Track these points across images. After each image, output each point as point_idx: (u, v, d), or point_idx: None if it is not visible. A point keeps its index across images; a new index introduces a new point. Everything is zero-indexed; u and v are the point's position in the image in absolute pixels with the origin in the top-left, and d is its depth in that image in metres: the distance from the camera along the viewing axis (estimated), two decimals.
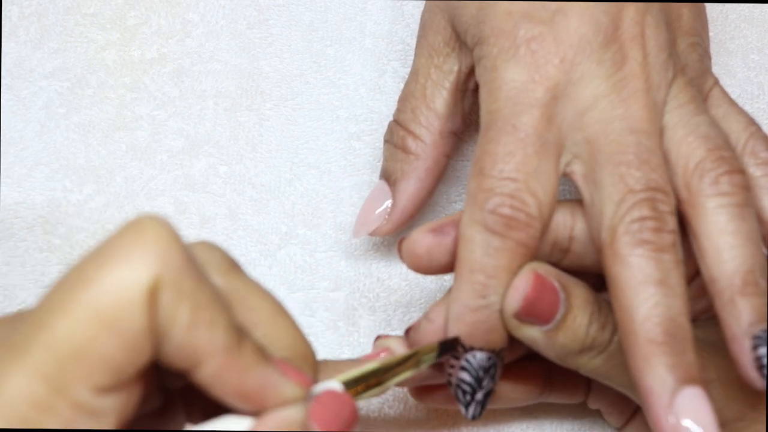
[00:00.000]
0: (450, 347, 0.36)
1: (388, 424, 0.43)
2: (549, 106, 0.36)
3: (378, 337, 0.39)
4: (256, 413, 0.29)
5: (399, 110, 0.43)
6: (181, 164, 0.47)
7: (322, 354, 0.44)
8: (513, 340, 0.36)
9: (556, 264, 0.37)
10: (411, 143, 0.42)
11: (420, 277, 0.45)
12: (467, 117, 0.43)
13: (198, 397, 0.29)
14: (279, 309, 0.31)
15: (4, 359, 0.26)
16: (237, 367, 0.28)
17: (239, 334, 0.28)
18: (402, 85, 0.43)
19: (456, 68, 0.41)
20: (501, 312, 0.35)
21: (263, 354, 0.29)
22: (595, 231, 0.36)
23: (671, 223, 0.35)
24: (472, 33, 0.39)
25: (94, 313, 0.26)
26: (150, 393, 0.30)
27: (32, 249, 0.45)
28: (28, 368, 0.26)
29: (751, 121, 0.40)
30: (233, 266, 0.31)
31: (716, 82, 0.40)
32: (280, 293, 0.45)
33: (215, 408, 0.29)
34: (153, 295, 0.26)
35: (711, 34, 0.46)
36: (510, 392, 0.40)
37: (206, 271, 0.28)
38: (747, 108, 0.41)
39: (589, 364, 0.36)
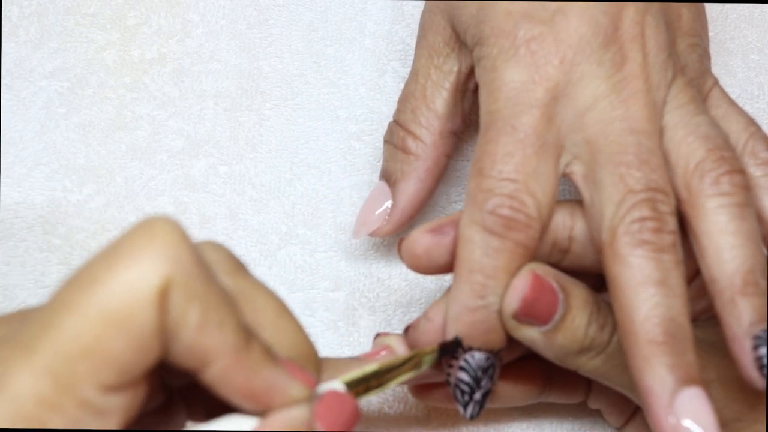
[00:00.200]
0: (450, 349, 0.36)
1: (388, 424, 0.43)
2: (549, 106, 0.36)
3: (377, 335, 0.39)
4: (260, 413, 0.29)
5: (399, 111, 0.43)
6: (181, 164, 0.47)
7: (322, 354, 0.44)
8: (512, 340, 0.36)
9: (555, 264, 0.37)
10: (411, 144, 0.42)
11: (420, 277, 0.45)
12: (467, 117, 0.43)
13: (200, 395, 0.30)
14: (284, 309, 0.31)
15: (11, 356, 0.26)
16: (245, 368, 0.28)
17: (247, 334, 0.28)
18: (402, 85, 0.43)
19: (456, 68, 0.41)
20: (500, 312, 0.35)
21: (270, 354, 0.29)
22: (595, 231, 0.36)
23: (671, 223, 0.35)
24: (472, 33, 0.39)
25: (104, 312, 0.26)
26: (153, 391, 0.30)
27: (32, 249, 0.45)
28: (35, 366, 0.26)
29: (751, 122, 0.40)
30: (239, 266, 0.31)
31: (716, 82, 0.40)
32: (280, 293, 0.44)
33: (217, 406, 0.29)
34: (163, 295, 0.26)
35: (711, 34, 0.46)
36: (509, 392, 0.40)
37: (214, 271, 0.29)
38: (747, 108, 0.41)
39: (588, 365, 0.36)
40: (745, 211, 0.35)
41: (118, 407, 0.27)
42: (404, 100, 0.43)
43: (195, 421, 0.32)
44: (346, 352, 0.44)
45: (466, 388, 0.36)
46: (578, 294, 0.36)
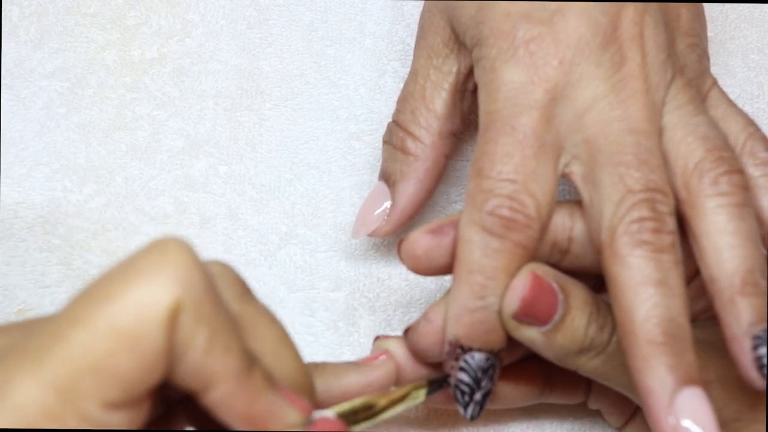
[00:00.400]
0: (440, 385, 0.37)
1: (388, 424, 0.43)
2: (548, 107, 0.36)
3: (377, 338, 0.39)
4: None
5: (398, 111, 0.43)
6: (181, 164, 0.47)
7: (321, 354, 0.44)
8: (512, 341, 0.36)
9: (555, 265, 0.37)
10: (410, 144, 0.42)
11: (420, 277, 0.45)
12: (466, 118, 0.43)
13: (198, 407, 0.30)
14: (285, 338, 0.31)
15: (17, 366, 0.26)
16: (247, 393, 0.28)
17: (250, 360, 0.28)
18: (402, 85, 0.43)
19: (455, 69, 0.41)
20: (499, 313, 0.35)
21: (271, 381, 0.29)
22: (594, 232, 0.36)
23: (670, 223, 0.35)
24: (471, 34, 0.39)
25: (114, 328, 0.26)
26: (153, 404, 0.30)
27: (32, 249, 0.45)
28: (41, 377, 0.26)
29: (750, 122, 0.40)
30: (246, 291, 0.31)
31: (715, 82, 0.40)
32: (280, 293, 0.45)
33: (216, 418, 0.29)
34: (174, 316, 0.26)
35: (711, 34, 0.46)
36: (510, 393, 0.40)
37: (222, 296, 0.29)
38: (747, 108, 0.41)
39: (588, 365, 0.36)
40: (744, 211, 0.35)
41: (119, 424, 0.27)
42: (403, 100, 0.43)
43: (194, 426, 0.32)
44: (346, 352, 0.44)
45: (466, 389, 0.36)
46: (578, 294, 0.36)
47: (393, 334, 0.44)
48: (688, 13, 0.40)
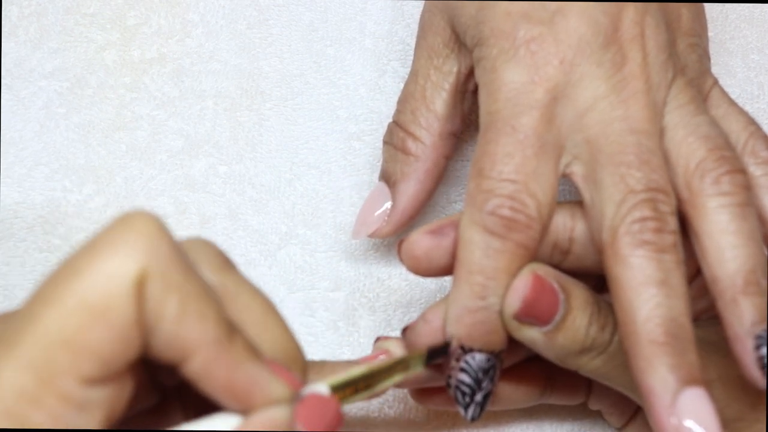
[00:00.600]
0: (439, 353, 0.36)
1: (388, 424, 0.43)
2: (548, 107, 0.36)
3: (378, 339, 0.39)
4: (244, 412, 0.29)
5: (399, 111, 0.43)
6: (181, 164, 0.47)
7: (321, 354, 0.44)
8: (513, 342, 0.36)
9: (556, 266, 0.37)
10: (411, 145, 0.42)
11: (420, 277, 0.45)
12: (467, 118, 0.43)
13: (194, 395, 0.30)
14: (270, 309, 0.31)
15: None
16: (227, 362, 0.28)
17: (230, 328, 0.28)
18: (402, 85, 0.43)
19: (455, 69, 0.41)
20: (500, 313, 0.35)
21: (254, 351, 0.29)
22: (595, 232, 0.36)
23: (672, 223, 0.35)
24: (472, 34, 0.39)
25: (83, 303, 0.26)
26: (145, 391, 0.30)
27: (32, 249, 0.45)
28: (17, 360, 0.26)
29: (751, 121, 0.40)
30: (226, 263, 0.31)
31: (715, 82, 0.40)
32: (280, 293, 0.45)
33: (211, 407, 0.29)
34: (140, 286, 0.26)
35: (711, 34, 0.46)
36: (511, 394, 0.40)
37: (198, 266, 0.29)
38: (747, 108, 0.41)
39: (589, 365, 0.36)
40: (746, 211, 0.35)
41: (101, 401, 0.27)
42: (404, 101, 0.43)
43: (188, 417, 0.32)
44: (346, 352, 0.44)
45: (467, 390, 0.36)
46: (579, 294, 0.36)
47: (393, 334, 0.44)
48: (689, 14, 0.40)
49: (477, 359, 0.36)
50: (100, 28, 0.49)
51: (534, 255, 0.36)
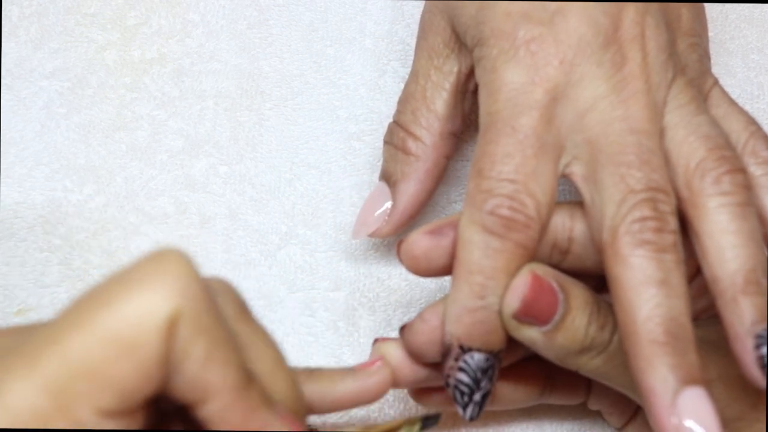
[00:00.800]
0: (434, 422, 0.36)
1: None
2: (548, 107, 0.36)
3: (376, 340, 0.39)
4: None
5: (399, 111, 0.43)
6: (181, 164, 0.47)
7: (321, 354, 0.44)
8: (512, 342, 0.36)
9: (555, 266, 0.37)
10: (411, 144, 0.42)
11: (420, 277, 0.45)
12: (467, 118, 0.43)
13: (193, 418, 0.30)
14: (280, 360, 0.31)
15: (11, 367, 0.26)
16: (243, 408, 0.28)
17: (248, 375, 0.28)
18: (402, 86, 0.43)
19: (456, 69, 0.41)
20: (499, 313, 0.35)
21: (267, 399, 0.29)
22: (596, 231, 0.36)
23: (672, 223, 0.35)
24: (472, 34, 0.39)
25: (112, 335, 0.26)
26: (149, 415, 0.30)
27: (32, 249, 0.45)
28: (35, 379, 0.26)
29: (751, 121, 0.40)
30: (244, 310, 0.32)
31: (716, 82, 0.41)
32: (280, 293, 0.45)
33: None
34: (172, 325, 0.26)
35: (711, 34, 0.46)
36: (510, 393, 0.40)
37: (221, 310, 0.29)
38: (747, 108, 0.41)
39: (589, 365, 0.36)
40: (747, 211, 0.35)
41: None
42: (404, 101, 0.43)
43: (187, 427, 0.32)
44: (346, 353, 0.44)
45: (465, 389, 0.36)
46: (578, 294, 0.36)
47: (393, 334, 0.44)
48: (689, 14, 0.40)
49: (476, 359, 0.36)
50: (100, 28, 0.49)
51: (533, 255, 0.36)
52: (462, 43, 0.40)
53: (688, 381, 0.32)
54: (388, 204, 0.42)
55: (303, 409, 0.32)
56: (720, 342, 0.35)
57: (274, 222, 0.46)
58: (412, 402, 0.43)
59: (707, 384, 0.33)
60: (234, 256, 0.45)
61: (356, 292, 0.45)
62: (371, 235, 0.43)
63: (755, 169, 0.38)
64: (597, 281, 0.38)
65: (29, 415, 0.26)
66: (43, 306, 0.44)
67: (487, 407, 0.37)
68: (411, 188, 0.42)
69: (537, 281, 0.35)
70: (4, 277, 0.44)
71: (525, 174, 0.35)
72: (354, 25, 0.49)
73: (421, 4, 0.44)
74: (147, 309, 0.26)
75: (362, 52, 0.49)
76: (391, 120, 0.43)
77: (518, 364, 0.40)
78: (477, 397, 0.36)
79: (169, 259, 0.27)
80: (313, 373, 0.36)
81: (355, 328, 0.44)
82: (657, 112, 0.37)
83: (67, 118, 0.47)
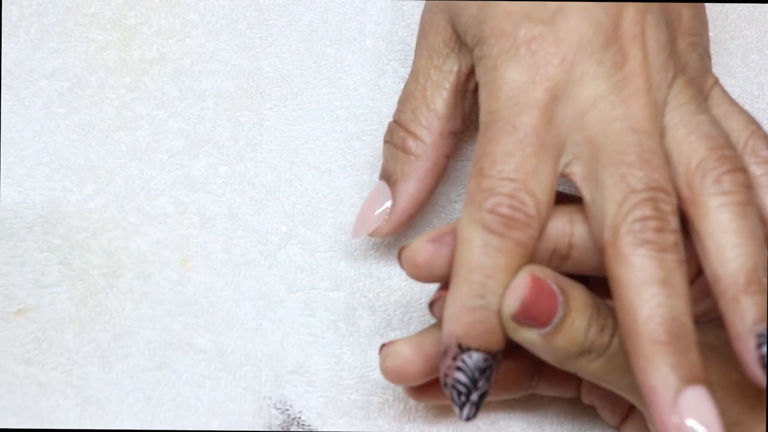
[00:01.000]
0: None
1: (388, 423, 0.43)
2: (549, 106, 0.36)
3: (383, 346, 0.39)
4: None
5: (399, 111, 0.43)
6: (181, 164, 0.47)
7: (321, 354, 0.44)
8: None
9: (555, 270, 0.37)
10: (411, 144, 0.42)
11: None
12: (467, 117, 0.43)
13: None
14: None
15: None
16: None
17: None
18: (402, 85, 0.43)
19: (456, 69, 0.41)
20: (499, 313, 0.35)
21: None
22: (596, 231, 0.36)
23: (673, 222, 0.35)
24: (472, 33, 0.39)
25: None
26: None
27: (32, 249, 0.45)
28: None
29: (752, 120, 0.40)
30: None
31: (716, 81, 0.41)
32: (280, 293, 0.45)
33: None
34: None
35: (711, 34, 0.46)
36: (499, 380, 0.39)
37: None
38: (747, 108, 0.41)
39: (588, 368, 0.36)
40: (747, 210, 0.35)
41: None
42: (404, 100, 0.43)
43: None
44: (346, 353, 0.44)
45: (462, 389, 0.36)
46: (578, 296, 0.36)
47: (393, 334, 0.44)
48: (689, 13, 0.40)
49: (474, 358, 0.36)
50: (100, 28, 0.49)
51: (533, 254, 0.36)
52: (462, 42, 0.40)
53: (689, 380, 0.32)
54: (388, 203, 0.42)
55: None
56: (718, 346, 0.35)
57: (274, 222, 0.46)
58: (412, 402, 0.43)
59: (709, 383, 0.33)
60: (234, 256, 0.45)
61: (356, 292, 0.45)
62: (371, 235, 0.43)
63: (756, 169, 0.38)
64: (597, 283, 0.38)
65: None
66: (43, 306, 0.44)
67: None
68: (411, 187, 0.42)
69: (536, 283, 0.35)
70: (4, 277, 0.44)
71: (525, 173, 0.35)
72: (354, 25, 0.49)
73: (421, 4, 0.44)
74: None
75: (362, 52, 0.49)
76: (391, 119, 0.43)
77: (504, 352, 0.39)
78: (474, 397, 0.36)
79: None
80: None
81: (355, 328, 0.44)
82: (658, 112, 0.37)
83: (66, 118, 0.47)
